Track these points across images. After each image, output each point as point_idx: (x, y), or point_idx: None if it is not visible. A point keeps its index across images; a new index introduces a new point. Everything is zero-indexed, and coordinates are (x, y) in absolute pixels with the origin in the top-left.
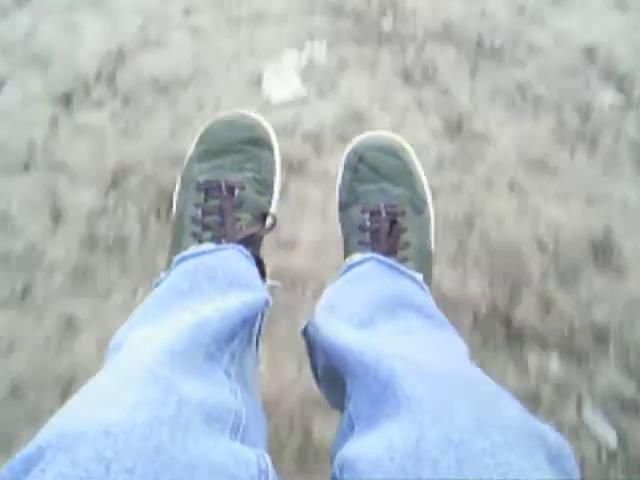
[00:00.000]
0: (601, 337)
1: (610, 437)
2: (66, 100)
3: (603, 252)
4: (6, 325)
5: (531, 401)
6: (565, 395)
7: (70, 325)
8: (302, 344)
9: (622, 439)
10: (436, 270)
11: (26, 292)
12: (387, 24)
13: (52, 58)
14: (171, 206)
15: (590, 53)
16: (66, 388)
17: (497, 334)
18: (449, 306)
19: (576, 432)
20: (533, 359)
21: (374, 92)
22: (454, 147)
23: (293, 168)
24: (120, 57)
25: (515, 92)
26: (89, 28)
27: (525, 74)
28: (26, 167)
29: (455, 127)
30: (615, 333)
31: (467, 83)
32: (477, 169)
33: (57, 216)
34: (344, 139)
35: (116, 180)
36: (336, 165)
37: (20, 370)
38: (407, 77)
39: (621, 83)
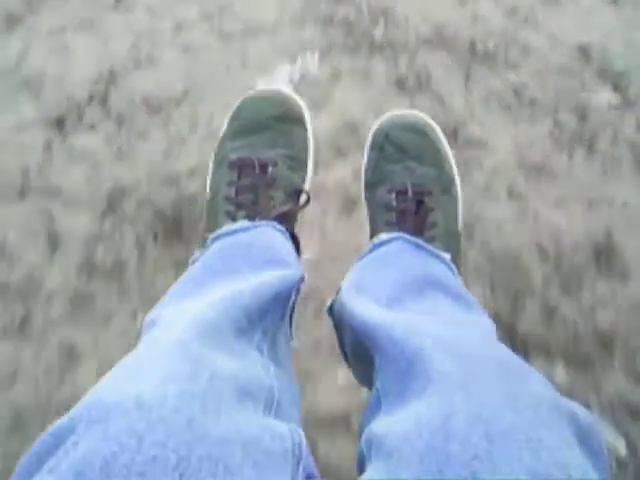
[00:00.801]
0: (606, 343)
1: (620, 445)
2: (59, 124)
3: (605, 256)
4: (6, 357)
5: None
6: None
7: (71, 354)
8: (304, 361)
9: (632, 447)
10: None
11: (25, 322)
12: (379, 33)
13: (44, 82)
14: (169, 228)
15: (585, 52)
16: None
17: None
18: None
19: None
20: (538, 368)
21: (368, 101)
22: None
23: None
24: (112, 78)
25: (510, 96)
26: (80, 49)
27: (520, 77)
28: (21, 194)
29: (451, 135)
30: (620, 339)
31: (461, 89)
32: (475, 176)
33: (54, 243)
34: (340, 152)
35: (112, 203)
36: (333, 180)
37: (22, 401)
38: (401, 85)
39: (617, 82)
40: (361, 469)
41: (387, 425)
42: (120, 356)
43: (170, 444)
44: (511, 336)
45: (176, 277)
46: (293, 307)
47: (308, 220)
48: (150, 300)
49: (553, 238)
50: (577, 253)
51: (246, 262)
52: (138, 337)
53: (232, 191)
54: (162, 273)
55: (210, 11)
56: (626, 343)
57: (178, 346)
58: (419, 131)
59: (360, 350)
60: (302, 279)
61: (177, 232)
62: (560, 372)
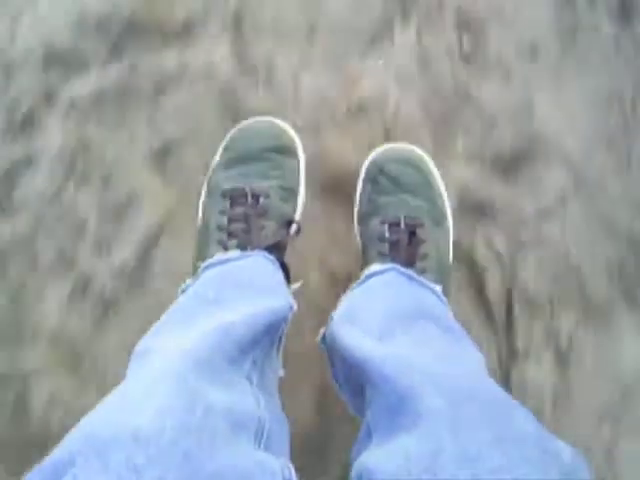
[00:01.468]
0: None
1: None
2: None
3: None
4: None
5: None
6: None
7: None
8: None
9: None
10: None
11: None
12: None
13: None
14: None
15: None
16: None
17: None
18: None
19: None
20: None
21: None
22: None
23: None
24: None
25: None
26: None
27: None
28: None
29: None
30: None
31: None
32: None
33: None
34: None
35: None
36: None
37: None
38: None
39: None
40: None
41: (377, 459)
42: None
43: (168, 478)
44: None
45: None
46: (282, 336)
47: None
48: None
49: None
50: None
51: (237, 292)
52: (128, 366)
53: (224, 220)
54: None
55: None
56: None
57: (173, 379)
58: (412, 164)
59: (352, 381)
60: (291, 309)
61: None
62: None
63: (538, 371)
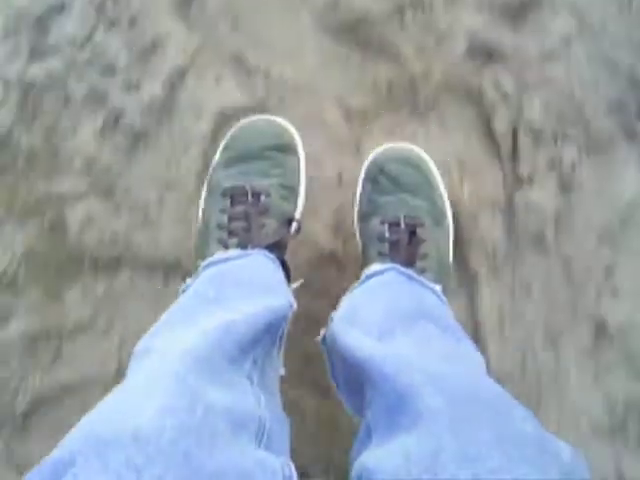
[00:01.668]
0: None
1: None
2: None
3: None
4: None
5: None
6: None
7: None
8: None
9: None
10: None
11: None
12: None
13: None
14: None
15: None
16: None
17: None
18: None
19: None
20: None
21: None
22: None
23: None
24: None
25: None
26: None
27: None
28: None
29: None
30: None
31: None
32: None
33: None
34: None
35: None
36: None
37: None
38: None
39: None
40: None
41: (377, 459)
42: None
43: (168, 477)
44: None
45: None
46: (282, 335)
47: None
48: None
49: None
50: None
51: (237, 291)
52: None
53: (225, 218)
54: None
55: None
56: None
57: (173, 379)
58: (412, 164)
59: (352, 381)
60: (292, 308)
61: None
62: None
63: (541, 195)
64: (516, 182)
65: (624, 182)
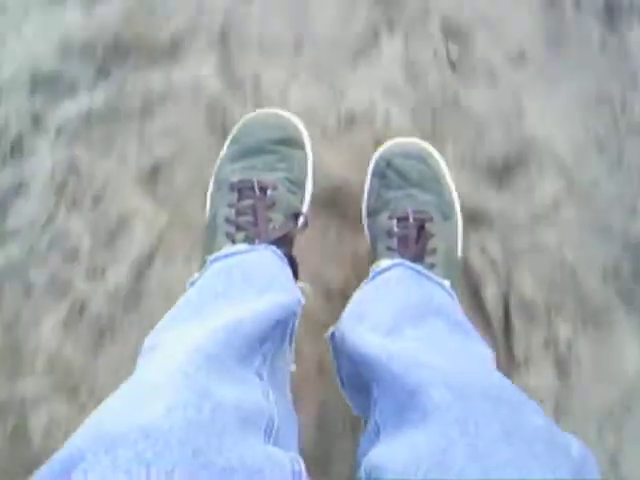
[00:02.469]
0: None
1: None
2: None
3: None
4: None
5: None
6: None
7: None
8: None
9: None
10: None
11: None
12: None
13: None
14: None
15: None
16: None
17: None
18: None
19: None
20: None
21: None
22: None
23: None
24: None
25: None
26: None
27: None
28: None
29: None
30: None
31: None
32: None
33: None
34: None
35: None
36: None
37: None
38: None
39: None
40: None
41: (386, 456)
42: None
43: (177, 473)
44: None
45: None
46: (292, 331)
47: None
48: None
49: None
50: None
51: (245, 286)
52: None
53: (232, 212)
54: None
55: None
56: None
57: (182, 376)
58: (420, 159)
59: (359, 379)
60: (299, 304)
61: None
62: None
63: (538, 379)
64: (511, 362)
65: (625, 356)
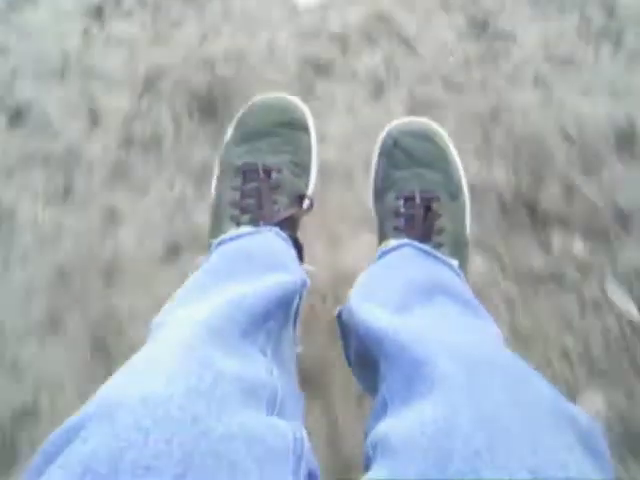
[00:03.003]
0: (623, 217)
1: (633, 310)
2: (98, 12)
3: (626, 141)
4: (51, 219)
5: (555, 280)
6: (588, 272)
7: (112, 216)
8: None
9: None
10: (462, 160)
11: (68, 190)
12: None
13: None
14: (204, 107)
15: None
16: (110, 274)
17: (522, 218)
18: (474, 194)
19: (600, 307)
20: (557, 240)
21: None
22: (479, 46)
23: (320, 69)
24: None
25: None
26: None
27: None
28: (62, 74)
29: (480, 26)
30: (637, 213)
31: None
32: (502, 65)
33: (94, 119)
34: (370, 39)
35: (149, 84)
36: (364, 64)
37: (67, 258)
38: None
39: None
40: (367, 471)
41: (392, 426)
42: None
43: (175, 440)
44: (532, 212)
45: (211, 152)
46: (297, 313)
47: (338, 102)
48: (186, 170)
49: (577, 123)
50: (599, 137)
51: (249, 267)
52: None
53: (237, 196)
54: (197, 147)
55: None
56: None
57: (184, 348)
58: (427, 138)
59: (366, 356)
60: (304, 285)
61: (211, 111)
62: (578, 244)
63: None
64: None
65: None
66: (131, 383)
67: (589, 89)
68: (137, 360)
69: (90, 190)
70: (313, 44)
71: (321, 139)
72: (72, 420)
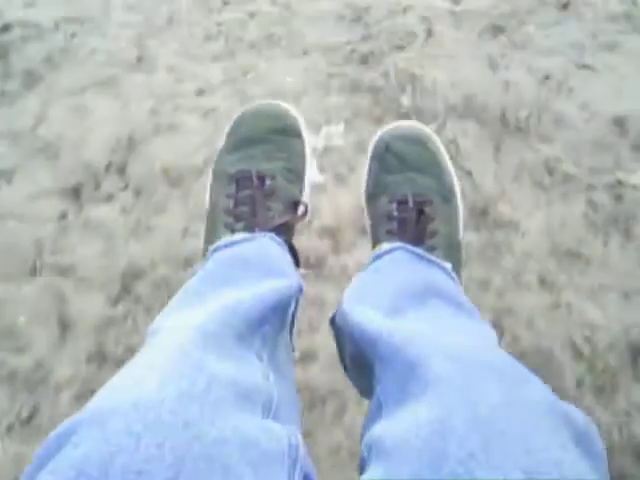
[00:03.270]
0: None
1: None
2: (75, 193)
3: None
4: (13, 452)
5: None
6: None
7: None
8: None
9: None
10: None
11: (32, 415)
12: (406, 101)
13: (61, 147)
14: None
15: (620, 124)
16: None
17: None
18: None
19: None
20: None
21: None
22: (480, 237)
23: (310, 265)
24: (131, 145)
25: (543, 170)
26: (99, 112)
27: (552, 150)
28: (33, 272)
29: (480, 214)
30: None
31: (491, 162)
32: (505, 262)
33: (64, 327)
34: (364, 232)
35: (126, 285)
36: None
37: None
38: None
39: None
40: (362, 474)
41: (387, 428)
42: None
43: (167, 444)
44: None
45: None
46: (293, 318)
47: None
48: None
49: (587, 334)
50: (612, 353)
51: (245, 273)
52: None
53: (231, 203)
54: None
55: (233, 75)
56: None
57: (178, 352)
58: (419, 142)
59: (360, 360)
60: (300, 290)
61: None
62: None
63: None
64: None
65: None
66: (123, 388)
67: (599, 289)
68: (131, 366)
69: (55, 416)
70: (302, 238)
71: (311, 357)
72: (64, 425)
